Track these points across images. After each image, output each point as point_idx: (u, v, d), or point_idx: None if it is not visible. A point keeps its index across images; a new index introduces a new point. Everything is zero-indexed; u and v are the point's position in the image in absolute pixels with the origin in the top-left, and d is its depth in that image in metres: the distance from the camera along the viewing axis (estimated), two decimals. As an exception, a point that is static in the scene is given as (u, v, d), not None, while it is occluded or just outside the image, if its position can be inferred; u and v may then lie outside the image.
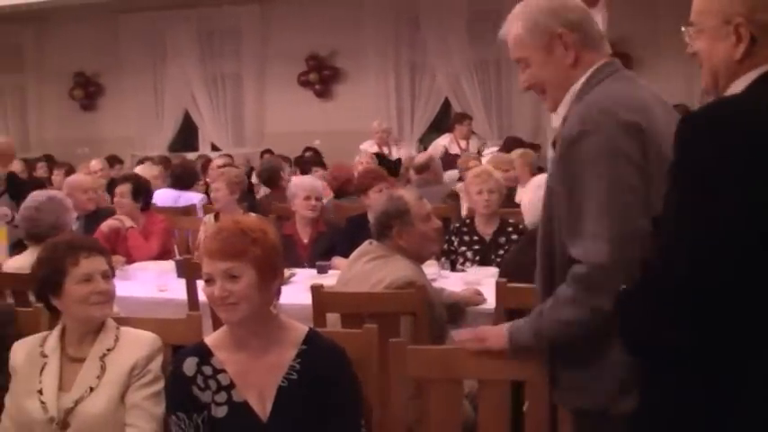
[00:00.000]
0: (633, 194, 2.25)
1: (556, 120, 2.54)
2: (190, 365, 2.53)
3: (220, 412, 2.50)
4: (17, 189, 7.07)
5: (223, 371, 2.53)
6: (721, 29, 1.95)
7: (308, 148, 11.56)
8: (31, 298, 3.41)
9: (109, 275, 2.88)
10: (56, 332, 2.88)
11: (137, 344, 2.82)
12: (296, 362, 2.55)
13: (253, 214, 5.80)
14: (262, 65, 13.31)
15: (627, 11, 10.25)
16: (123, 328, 2.88)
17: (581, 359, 2.37)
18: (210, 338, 2.62)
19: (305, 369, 2.54)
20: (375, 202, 5.61)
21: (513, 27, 2.49)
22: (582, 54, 2.44)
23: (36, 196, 4.64)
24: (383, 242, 3.92)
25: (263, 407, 2.52)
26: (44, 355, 2.83)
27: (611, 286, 2.01)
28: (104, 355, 2.80)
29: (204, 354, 2.56)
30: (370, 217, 4.01)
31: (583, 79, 2.43)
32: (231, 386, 2.52)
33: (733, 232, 1.73)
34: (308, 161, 10.21)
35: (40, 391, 2.76)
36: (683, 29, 2.08)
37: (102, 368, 2.77)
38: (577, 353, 2.37)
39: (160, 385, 2.75)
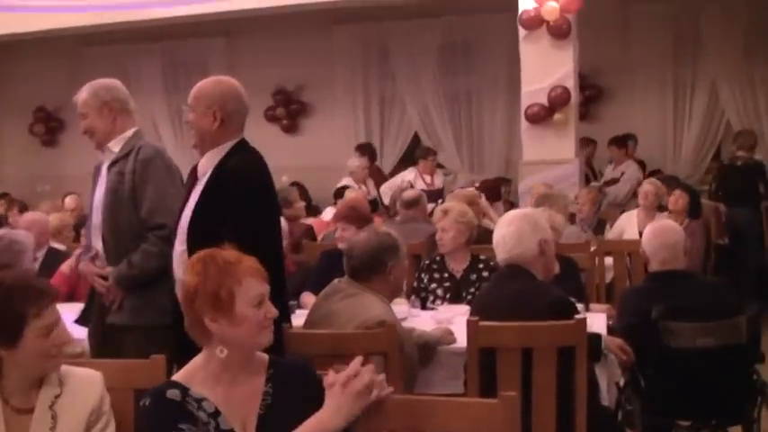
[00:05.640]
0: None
1: (115, 146, 4.08)
2: (174, 394, 2.44)
3: None
4: None
5: (205, 399, 2.45)
6: (206, 111, 3.53)
7: (293, 185, 11.27)
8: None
9: (63, 322, 2.64)
10: None
11: (86, 386, 2.66)
12: (268, 387, 2.54)
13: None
14: (228, 99, 13.15)
15: (597, 42, 10.30)
16: (63, 369, 2.67)
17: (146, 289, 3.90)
18: (178, 377, 2.53)
19: (277, 392, 2.53)
20: (346, 240, 5.47)
21: (82, 91, 4.08)
22: (120, 117, 4.09)
23: None
24: (365, 279, 3.87)
25: None
26: None
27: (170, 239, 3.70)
28: (53, 403, 2.61)
29: (180, 387, 2.46)
30: (356, 253, 3.90)
31: (130, 133, 4.08)
32: (217, 413, 2.44)
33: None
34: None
35: None
36: (184, 107, 3.72)
37: (54, 418, 2.59)
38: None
39: (113, 423, 2.67)
